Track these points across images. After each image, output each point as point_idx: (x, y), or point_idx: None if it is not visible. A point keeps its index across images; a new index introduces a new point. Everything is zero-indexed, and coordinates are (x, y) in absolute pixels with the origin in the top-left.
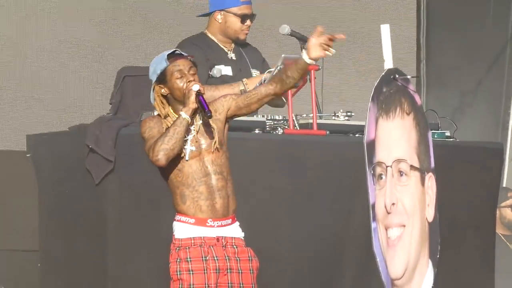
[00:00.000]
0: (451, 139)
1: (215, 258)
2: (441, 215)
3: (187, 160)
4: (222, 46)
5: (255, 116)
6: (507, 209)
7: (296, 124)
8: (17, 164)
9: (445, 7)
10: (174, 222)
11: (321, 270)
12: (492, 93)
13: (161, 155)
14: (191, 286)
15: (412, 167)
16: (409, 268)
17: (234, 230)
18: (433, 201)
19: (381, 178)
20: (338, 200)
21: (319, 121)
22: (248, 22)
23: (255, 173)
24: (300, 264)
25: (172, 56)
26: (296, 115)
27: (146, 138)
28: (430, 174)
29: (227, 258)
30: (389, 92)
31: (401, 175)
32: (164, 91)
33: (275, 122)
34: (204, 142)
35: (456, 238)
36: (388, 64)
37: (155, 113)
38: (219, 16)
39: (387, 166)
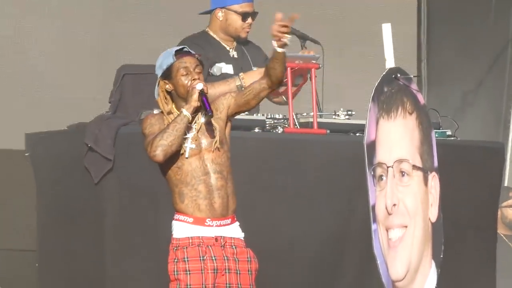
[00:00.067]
0: (452, 138)
1: (213, 258)
2: (442, 215)
3: (186, 158)
4: (224, 44)
5: (255, 114)
6: (508, 208)
7: (296, 123)
8: (15, 163)
9: (445, 5)
10: (173, 221)
11: (321, 270)
12: (494, 92)
13: (159, 151)
14: (188, 286)
15: (414, 167)
16: (411, 269)
17: (234, 230)
18: (437, 201)
19: (382, 179)
20: (338, 200)
21: (319, 120)
22: (249, 20)
23: (255, 173)
24: (300, 264)
25: (180, 53)
26: (296, 114)
27: (147, 134)
28: (434, 173)
29: (225, 258)
30: (391, 91)
31: (403, 175)
32: (168, 87)
33: (275, 121)
34: (205, 140)
35: (457, 238)
36: (390, 63)
37: (155, 111)
38: (220, 14)
39: (388, 167)
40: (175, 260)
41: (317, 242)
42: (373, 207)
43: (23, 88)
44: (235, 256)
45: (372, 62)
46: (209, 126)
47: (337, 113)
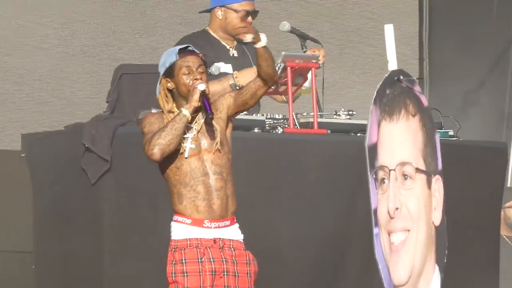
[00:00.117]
0: (455, 139)
1: (211, 260)
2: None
3: (186, 158)
4: (224, 43)
5: (254, 115)
6: (511, 209)
7: (297, 123)
8: (11, 164)
9: (448, 4)
10: (172, 223)
11: (321, 271)
12: (496, 91)
13: (156, 150)
14: None
15: (417, 169)
16: (414, 274)
17: (233, 232)
18: (440, 204)
19: (384, 182)
20: (339, 200)
21: (320, 120)
22: (249, 18)
23: (254, 174)
24: (300, 265)
25: (183, 52)
26: (296, 114)
27: (145, 132)
28: (438, 176)
29: (224, 260)
30: (393, 94)
31: (406, 178)
32: (170, 85)
33: (275, 121)
34: (205, 141)
35: (459, 239)
36: (392, 65)
37: (153, 111)
38: (219, 12)
39: (390, 170)
40: (173, 262)
41: (318, 242)
42: (375, 211)
43: (18, 87)
44: (233, 258)
45: (373, 60)
46: (209, 127)
47: (338, 113)
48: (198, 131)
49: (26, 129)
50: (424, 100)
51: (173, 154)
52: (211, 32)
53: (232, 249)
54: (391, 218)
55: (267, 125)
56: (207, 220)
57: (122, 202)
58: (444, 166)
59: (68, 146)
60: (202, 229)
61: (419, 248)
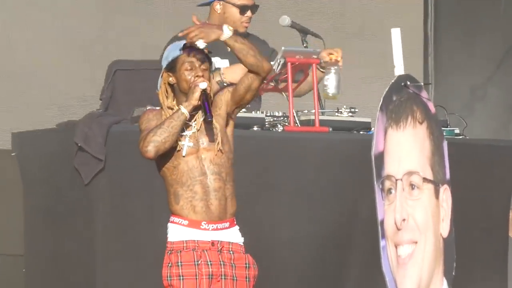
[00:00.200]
0: (460, 137)
1: (209, 263)
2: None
3: (183, 156)
4: None
5: (253, 112)
6: None
7: (297, 121)
8: (1, 163)
9: None
10: (168, 224)
11: (323, 271)
12: (503, 88)
13: (151, 147)
14: None
15: (425, 179)
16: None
17: (232, 235)
18: (448, 215)
19: (391, 192)
20: (341, 200)
21: (321, 117)
22: (248, 13)
23: (254, 173)
24: (300, 264)
25: (188, 46)
26: (297, 111)
27: (142, 129)
28: (445, 186)
29: (221, 263)
30: (400, 100)
31: (413, 188)
32: (171, 79)
33: (275, 119)
34: (204, 140)
35: (466, 241)
36: (399, 70)
37: (148, 108)
38: (218, 6)
39: (396, 180)
40: (169, 265)
41: (319, 242)
42: (382, 222)
43: (8, 84)
44: (232, 262)
45: (375, 57)
46: (208, 125)
47: (339, 110)
48: (198, 130)
49: (17, 127)
50: (432, 107)
51: (171, 152)
52: None
53: (231, 252)
54: (398, 229)
55: (266, 123)
56: (205, 222)
57: (116, 202)
58: (450, 166)
59: (60, 145)
60: (199, 231)
61: (427, 261)
